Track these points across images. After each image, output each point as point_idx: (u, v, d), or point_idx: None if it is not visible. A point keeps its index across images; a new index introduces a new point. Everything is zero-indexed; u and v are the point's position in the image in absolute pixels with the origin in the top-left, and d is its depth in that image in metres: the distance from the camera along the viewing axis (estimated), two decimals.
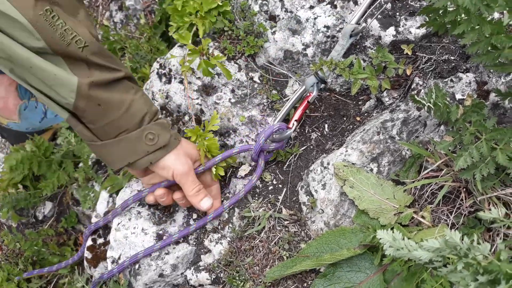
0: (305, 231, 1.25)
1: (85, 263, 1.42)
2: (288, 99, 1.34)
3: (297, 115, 1.28)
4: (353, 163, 1.19)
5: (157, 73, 1.46)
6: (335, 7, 1.29)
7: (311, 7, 1.31)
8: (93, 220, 1.47)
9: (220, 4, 1.37)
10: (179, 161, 1.17)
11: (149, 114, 1.14)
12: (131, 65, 1.69)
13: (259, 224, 1.26)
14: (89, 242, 1.44)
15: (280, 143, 1.28)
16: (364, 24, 1.22)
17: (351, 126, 1.33)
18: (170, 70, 1.44)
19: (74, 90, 1.03)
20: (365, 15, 1.25)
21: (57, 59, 1.02)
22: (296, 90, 1.33)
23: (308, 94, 1.27)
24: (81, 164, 1.66)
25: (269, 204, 1.30)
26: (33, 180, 1.72)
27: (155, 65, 1.48)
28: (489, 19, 0.87)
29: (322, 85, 1.28)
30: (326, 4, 1.30)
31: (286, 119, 1.33)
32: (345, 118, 1.35)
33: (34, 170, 1.59)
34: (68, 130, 1.62)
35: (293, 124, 1.28)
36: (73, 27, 1.02)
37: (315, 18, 1.30)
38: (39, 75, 1.01)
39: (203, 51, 1.27)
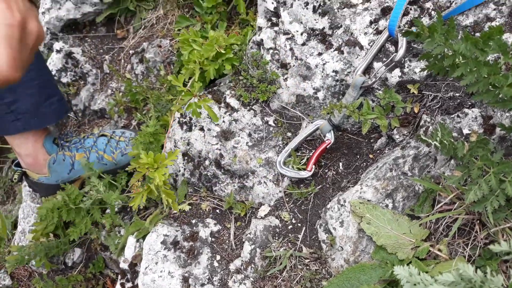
0: (326, 268, 1.28)
1: None
2: (297, 135, 1.42)
3: (314, 158, 1.37)
4: (368, 200, 1.24)
5: (178, 122, 1.55)
6: (342, 52, 1.38)
7: (320, 54, 1.40)
8: (121, 265, 1.53)
9: (223, 52, 1.47)
10: None
11: None
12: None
13: (281, 264, 1.30)
14: (118, 287, 1.50)
15: None
16: (374, 80, 1.29)
17: (364, 163, 1.38)
18: (191, 118, 1.53)
19: None
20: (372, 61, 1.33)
21: None
22: (306, 127, 1.41)
23: (327, 141, 1.36)
24: (108, 211, 1.74)
25: (289, 243, 1.34)
26: (64, 228, 1.81)
27: (176, 114, 1.58)
28: (487, 59, 0.92)
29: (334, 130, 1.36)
30: (334, 51, 1.39)
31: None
32: (358, 156, 1.40)
33: (63, 217, 1.67)
34: (98, 179, 1.71)
35: (312, 167, 1.37)
36: None
37: (323, 64, 1.38)
38: None
39: (195, 94, 1.37)
